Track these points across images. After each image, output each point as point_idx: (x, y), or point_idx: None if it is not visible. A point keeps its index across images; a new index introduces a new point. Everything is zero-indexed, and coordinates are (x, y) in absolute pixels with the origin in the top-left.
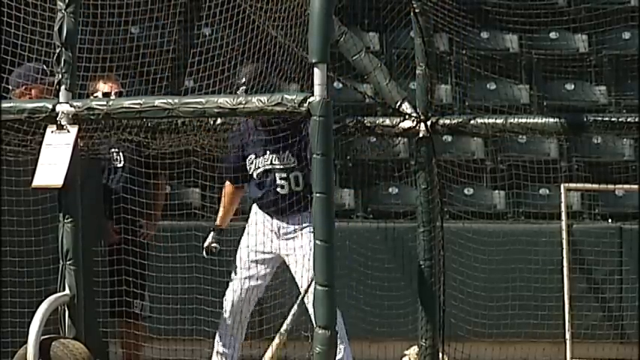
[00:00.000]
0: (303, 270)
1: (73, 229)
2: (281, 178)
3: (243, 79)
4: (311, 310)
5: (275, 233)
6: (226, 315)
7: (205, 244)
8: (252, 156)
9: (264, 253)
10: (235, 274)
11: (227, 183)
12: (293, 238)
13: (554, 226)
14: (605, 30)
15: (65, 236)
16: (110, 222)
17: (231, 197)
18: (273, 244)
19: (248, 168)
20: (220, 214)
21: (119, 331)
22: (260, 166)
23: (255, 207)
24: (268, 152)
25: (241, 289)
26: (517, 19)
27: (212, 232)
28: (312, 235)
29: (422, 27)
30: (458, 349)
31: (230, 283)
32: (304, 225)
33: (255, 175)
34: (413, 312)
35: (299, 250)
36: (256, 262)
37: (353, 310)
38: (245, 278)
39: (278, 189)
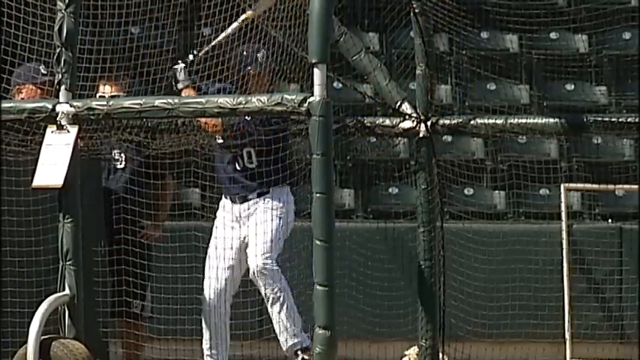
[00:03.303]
0: (256, 239)
1: (73, 229)
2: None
3: (262, 52)
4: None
5: (237, 221)
6: (208, 314)
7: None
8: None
9: (231, 242)
10: (209, 271)
11: None
12: (252, 215)
13: (554, 226)
14: (605, 30)
15: (65, 236)
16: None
17: None
18: (237, 232)
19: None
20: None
21: (119, 331)
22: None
23: (222, 199)
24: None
25: (217, 285)
26: (517, 19)
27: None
28: (271, 210)
29: (422, 27)
30: (458, 349)
31: (205, 281)
32: (262, 200)
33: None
34: (413, 312)
35: (256, 225)
36: (227, 254)
37: (353, 310)
38: (219, 273)
39: (235, 165)
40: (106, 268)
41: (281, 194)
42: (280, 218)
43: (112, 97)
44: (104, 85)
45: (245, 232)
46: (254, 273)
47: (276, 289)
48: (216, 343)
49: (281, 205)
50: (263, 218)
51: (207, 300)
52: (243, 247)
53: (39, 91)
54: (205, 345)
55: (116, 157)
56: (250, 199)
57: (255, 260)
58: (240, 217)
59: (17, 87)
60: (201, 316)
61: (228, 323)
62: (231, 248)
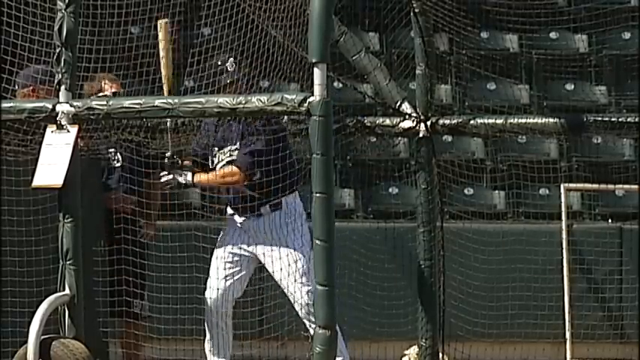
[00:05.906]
0: (283, 271)
1: (73, 229)
2: None
3: (229, 62)
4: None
5: (246, 233)
6: (212, 316)
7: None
8: (216, 149)
9: (238, 253)
10: (214, 273)
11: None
12: (268, 239)
13: (554, 226)
14: (605, 30)
15: (65, 236)
16: (109, 192)
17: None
18: (246, 245)
19: (210, 162)
20: (203, 177)
21: (119, 331)
22: (223, 158)
23: (229, 209)
24: (229, 144)
25: (220, 288)
26: (517, 19)
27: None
28: (292, 237)
29: (422, 27)
30: (458, 349)
31: (209, 283)
32: (277, 226)
33: (217, 169)
34: (413, 312)
35: (275, 252)
36: (232, 262)
37: (353, 310)
38: (223, 278)
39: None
40: (106, 268)
41: (293, 203)
42: (302, 236)
43: (113, 94)
44: (105, 83)
45: (261, 250)
46: (303, 312)
47: None
48: (218, 344)
49: (296, 215)
50: (284, 239)
51: (208, 301)
52: (255, 261)
53: (53, 94)
54: (207, 345)
55: (113, 157)
56: (263, 214)
57: (300, 300)
58: (250, 232)
59: (32, 88)
60: (202, 316)
61: (230, 324)
62: (238, 257)
